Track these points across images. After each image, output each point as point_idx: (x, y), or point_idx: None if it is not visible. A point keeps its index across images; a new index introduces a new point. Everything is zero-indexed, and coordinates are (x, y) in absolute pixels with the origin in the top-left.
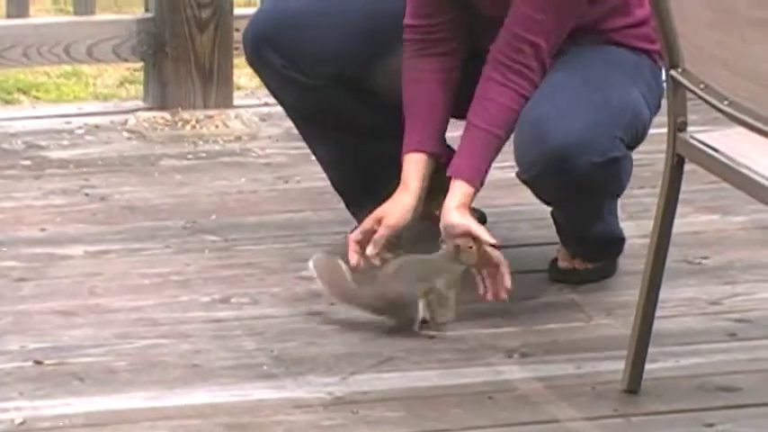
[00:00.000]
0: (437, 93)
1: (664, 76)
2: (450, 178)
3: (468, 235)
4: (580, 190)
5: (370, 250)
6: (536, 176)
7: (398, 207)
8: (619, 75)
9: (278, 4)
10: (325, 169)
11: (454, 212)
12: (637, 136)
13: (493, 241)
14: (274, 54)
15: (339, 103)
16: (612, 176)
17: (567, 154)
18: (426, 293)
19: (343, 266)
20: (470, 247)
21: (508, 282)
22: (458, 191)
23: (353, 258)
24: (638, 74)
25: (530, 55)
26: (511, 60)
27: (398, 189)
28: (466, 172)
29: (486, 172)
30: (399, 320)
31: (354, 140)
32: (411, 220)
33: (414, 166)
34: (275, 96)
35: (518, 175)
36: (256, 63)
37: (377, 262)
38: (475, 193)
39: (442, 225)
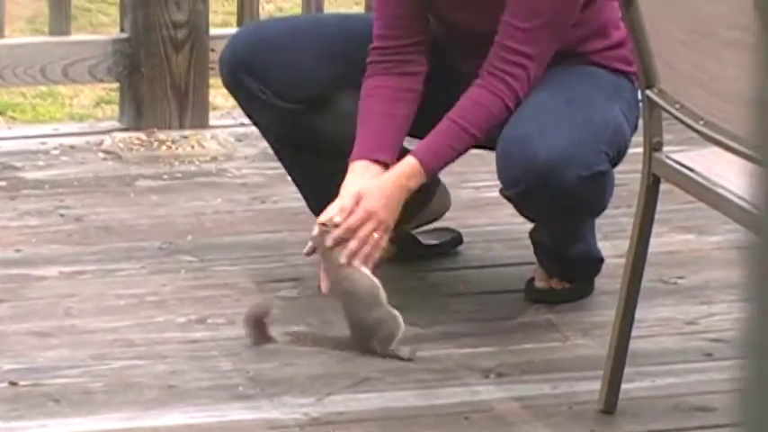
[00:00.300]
0: (390, 106)
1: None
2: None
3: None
4: (566, 205)
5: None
6: (521, 193)
7: (334, 207)
8: (600, 94)
9: (254, 28)
10: (301, 191)
11: (385, 183)
12: (619, 152)
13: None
14: (251, 78)
15: (315, 126)
16: (598, 191)
17: (553, 169)
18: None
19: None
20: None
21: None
22: (402, 163)
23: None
24: (618, 93)
25: (516, 64)
26: (496, 69)
27: (346, 195)
28: (420, 150)
29: (444, 159)
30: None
31: (330, 163)
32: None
33: (355, 174)
34: (251, 119)
35: (502, 192)
36: (233, 86)
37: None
38: (421, 173)
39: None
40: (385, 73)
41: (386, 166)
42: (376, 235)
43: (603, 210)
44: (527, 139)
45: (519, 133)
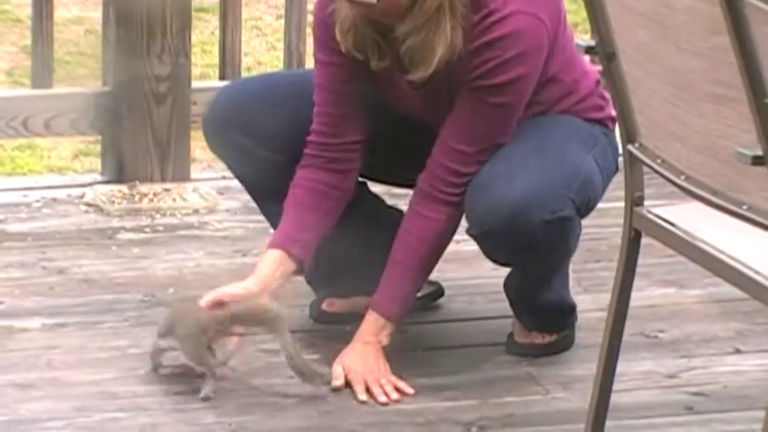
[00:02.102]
0: (316, 201)
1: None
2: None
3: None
4: (529, 248)
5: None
6: (486, 233)
7: (238, 285)
8: (573, 141)
9: (235, 87)
10: None
11: (356, 346)
12: (588, 203)
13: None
14: (237, 133)
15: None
16: (561, 236)
17: (517, 211)
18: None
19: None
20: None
21: None
22: (372, 322)
23: None
24: (592, 141)
25: (458, 184)
26: (437, 191)
27: (255, 276)
28: (378, 303)
29: (404, 301)
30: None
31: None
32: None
33: (270, 259)
34: (236, 174)
35: (468, 231)
36: (220, 144)
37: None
38: (387, 324)
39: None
40: (317, 167)
41: (298, 259)
42: (383, 380)
43: (568, 256)
44: (494, 180)
45: (487, 175)
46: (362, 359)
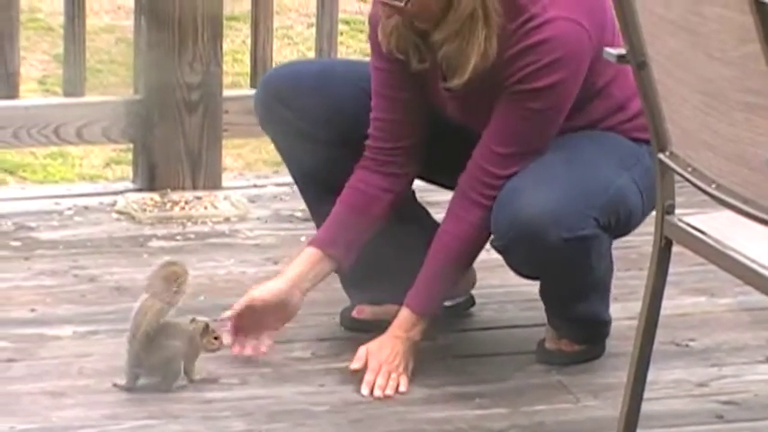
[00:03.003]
0: (366, 204)
1: None
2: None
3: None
4: (549, 264)
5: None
6: (507, 246)
7: (266, 287)
8: (609, 158)
9: (288, 64)
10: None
11: (384, 338)
12: (619, 220)
13: None
14: (285, 108)
15: (344, 161)
16: (582, 255)
17: (536, 228)
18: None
19: None
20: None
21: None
22: (404, 318)
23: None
24: (635, 161)
25: (493, 186)
26: (473, 192)
27: (278, 276)
28: (411, 300)
29: (436, 298)
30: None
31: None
32: (276, 303)
33: (304, 257)
34: (282, 154)
35: (491, 243)
36: (267, 119)
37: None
38: (419, 320)
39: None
40: (371, 169)
41: (337, 260)
42: (394, 375)
43: (596, 276)
44: (518, 192)
45: (513, 186)
46: (386, 348)
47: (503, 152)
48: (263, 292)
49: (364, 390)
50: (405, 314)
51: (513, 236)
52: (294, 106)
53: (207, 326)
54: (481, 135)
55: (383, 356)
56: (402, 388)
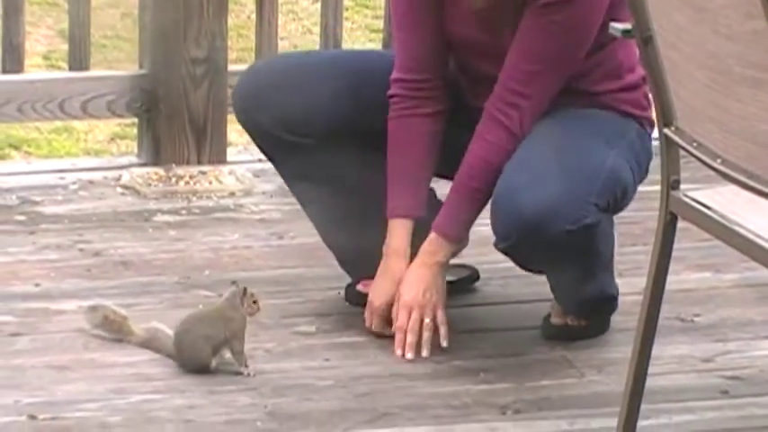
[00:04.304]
0: (424, 157)
1: (654, 142)
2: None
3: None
4: (555, 258)
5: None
6: (511, 247)
7: (382, 290)
8: (597, 139)
9: (266, 65)
10: (317, 227)
11: (413, 269)
12: (616, 199)
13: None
14: (263, 114)
15: (327, 161)
16: (588, 242)
17: (539, 224)
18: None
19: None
20: (255, 302)
21: None
22: (430, 242)
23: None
24: (620, 138)
25: (516, 106)
26: (497, 111)
27: (394, 256)
28: (439, 223)
29: (463, 222)
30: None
31: (344, 199)
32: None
33: (404, 232)
34: (265, 154)
35: (495, 245)
36: (246, 122)
37: None
38: (447, 244)
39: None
40: (412, 115)
41: (419, 216)
42: (427, 320)
43: (603, 257)
44: (515, 192)
45: (508, 186)
46: (416, 286)
47: (528, 69)
48: (381, 296)
49: (398, 350)
50: (431, 238)
51: (516, 237)
52: (271, 110)
53: (245, 290)
54: (499, 73)
55: (413, 298)
56: (443, 338)
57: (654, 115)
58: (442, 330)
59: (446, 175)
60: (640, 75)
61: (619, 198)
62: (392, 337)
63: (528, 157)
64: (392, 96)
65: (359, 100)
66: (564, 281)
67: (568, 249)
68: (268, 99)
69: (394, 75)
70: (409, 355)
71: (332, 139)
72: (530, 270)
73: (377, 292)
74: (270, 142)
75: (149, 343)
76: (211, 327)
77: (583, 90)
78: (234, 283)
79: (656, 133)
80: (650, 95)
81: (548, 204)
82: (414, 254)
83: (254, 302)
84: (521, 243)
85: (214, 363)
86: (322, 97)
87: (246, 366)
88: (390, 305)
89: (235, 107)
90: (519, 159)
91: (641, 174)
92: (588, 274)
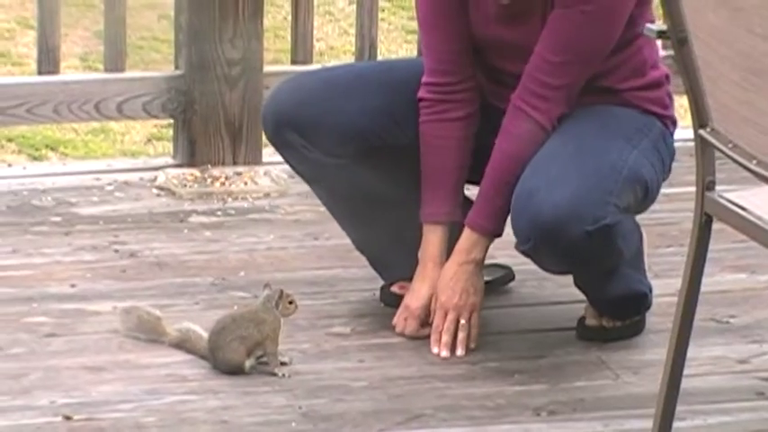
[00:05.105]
0: (459, 161)
1: (686, 143)
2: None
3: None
4: (576, 260)
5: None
6: (532, 249)
7: (419, 294)
8: (618, 139)
9: (295, 83)
10: (350, 236)
11: (450, 267)
12: (637, 198)
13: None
14: (294, 134)
15: (359, 178)
16: (608, 243)
17: (559, 226)
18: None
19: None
20: (291, 303)
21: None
22: (465, 238)
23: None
24: (642, 136)
25: (543, 97)
26: (523, 102)
27: (431, 263)
28: (472, 219)
29: (497, 217)
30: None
31: (375, 211)
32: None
33: (440, 237)
34: (296, 171)
35: (516, 247)
36: (277, 142)
37: None
38: (482, 240)
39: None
40: (444, 119)
41: (455, 222)
42: (463, 321)
43: (626, 256)
44: (534, 194)
45: (527, 188)
46: (452, 287)
47: (556, 60)
48: (418, 299)
49: (434, 349)
50: (465, 234)
51: (536, 239)
52: (302, 131)
53: (282, 292)
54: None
55: (449, 298)
56: (471, 341)
57: (675, 114)
58: (473, 333)
59: (469, 179)
60: (664, 72)
61: (640, 198)
62: (426, 338)
63: (546, 158)
64: (421, 100)
65: (389, 116)
66: (588, 281)
67: (589, 250)
68: (298, 121)
69: (424, 78)
70: (444, 353)
71: (362, 157)
72: (552, 272)
73: (414, 295)
74: (300, 161)
75: (183, 344)
76: (246, 328)
77: (607, 87)
78: (267, 285)
79: (690, 134)
80: (672, 97)
81: (566, 206)
82: (448, 255)
83: (291, 303)
84: (540, 245)
85: (248, 364)
86: (351, 117)
87: (285, 364)
88: (427, 308)
89: (265, 127)
90: (538, 161)
91: (664, 173)
92: (612, 273)
